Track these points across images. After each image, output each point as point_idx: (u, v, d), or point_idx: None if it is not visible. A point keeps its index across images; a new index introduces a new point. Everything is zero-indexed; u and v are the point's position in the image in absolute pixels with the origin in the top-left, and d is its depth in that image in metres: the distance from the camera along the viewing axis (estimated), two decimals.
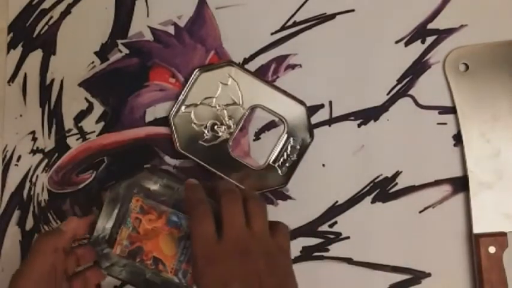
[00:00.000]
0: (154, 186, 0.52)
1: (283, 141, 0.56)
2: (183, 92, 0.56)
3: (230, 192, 0.48)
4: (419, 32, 0.57)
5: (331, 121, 0.57)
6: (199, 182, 0.50)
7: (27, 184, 0.58)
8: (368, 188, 0.57)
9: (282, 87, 0.56)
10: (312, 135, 0.56)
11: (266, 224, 0.47)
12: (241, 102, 0.56)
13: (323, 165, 0.57)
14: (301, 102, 0.56)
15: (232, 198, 0.47)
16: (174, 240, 0.52)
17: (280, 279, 0.46)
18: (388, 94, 0.57)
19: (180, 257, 0.52)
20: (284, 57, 0.57)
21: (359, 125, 0.57)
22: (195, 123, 0.56)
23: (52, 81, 0.59)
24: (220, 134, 0.56)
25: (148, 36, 0.58)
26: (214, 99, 0.56)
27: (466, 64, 0.56)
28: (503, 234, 0.54)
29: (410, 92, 0.57)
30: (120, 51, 0.58)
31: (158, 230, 0.52)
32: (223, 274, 0.45)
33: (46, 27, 0.59)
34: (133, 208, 0.52)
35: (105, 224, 0.52)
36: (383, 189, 0.57)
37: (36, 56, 0.59)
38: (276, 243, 0.47)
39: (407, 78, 0.57)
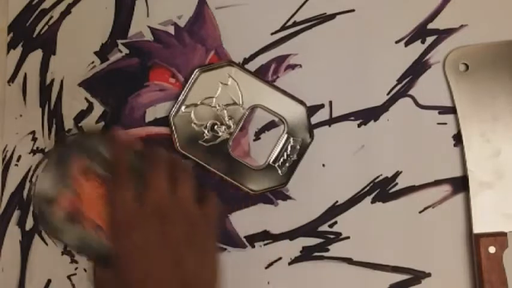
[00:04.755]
0: (102, 150, 0.48)
1: (283, 141, 0.56)
2: (183, 92, 0.56)
3: (155, 156, 0.46)
4: (419, 32, 0.57)
5: (331, 121, 0.57)
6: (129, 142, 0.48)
7: (27, 184, 0.58)
8: (368, 188, 0.57)
9: (282, 87, 0.56)
10: (312, 135, 0.56)
11: (191, 191, 0.46)
12: (241, 102, 0.56)
13: (323, 165, 0.57)
14: (301, 102, 0.56)
15: (157, 162, 0.46)
16: None
17: (199, 249, 0.44)
18: (388, 94, 0.57)
19: None
20: (284, 57, 0.57)
21: (359, 125, 0.57)
22: (195, 123, 0.56)
23: (52, 81, 0.59)
24: (220, 134, 0.56)
25: (149, 36, 0.58)
26: (214, 99, 0.56)
27: (466, 64, 0.56)
28: (503, 234, 0.54)
29: (410, 92, 0.57)
30: (120, 51, 0.58)
31: (101, 196, 0.48)
32: (140, 240, 0.43)
33: (46, 27, 0.59)
34: (77, 170, 0.48)
35: (46, 184, 0.48)
36: (383, 189, 0.57)
37: (36, 56, 0.59)
38: (201, 213, 0.46)
39: (407, 78, 0.57)
